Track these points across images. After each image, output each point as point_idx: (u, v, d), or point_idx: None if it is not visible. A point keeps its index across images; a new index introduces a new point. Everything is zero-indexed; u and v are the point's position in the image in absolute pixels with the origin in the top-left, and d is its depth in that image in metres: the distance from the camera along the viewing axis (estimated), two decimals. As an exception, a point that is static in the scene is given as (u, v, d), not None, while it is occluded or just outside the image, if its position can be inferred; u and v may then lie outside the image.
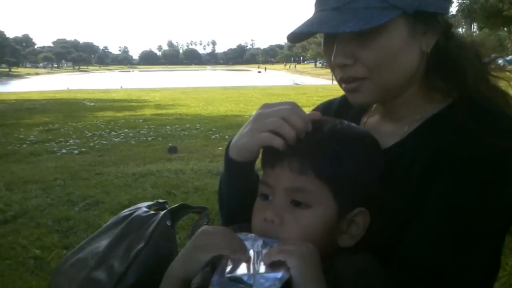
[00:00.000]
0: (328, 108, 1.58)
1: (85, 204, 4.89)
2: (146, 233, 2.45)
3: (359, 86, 1.26)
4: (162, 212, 2.56)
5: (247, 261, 1.10)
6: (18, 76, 57.47)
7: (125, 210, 2.77)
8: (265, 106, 1.26)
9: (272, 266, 1.08)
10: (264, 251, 1.12)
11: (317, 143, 1.19)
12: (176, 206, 2.57)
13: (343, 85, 1.30)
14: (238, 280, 1.07)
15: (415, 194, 1.22)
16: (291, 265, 1.05)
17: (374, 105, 1.45)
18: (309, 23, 1.23)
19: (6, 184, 5.76)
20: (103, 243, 2.59)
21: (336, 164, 1.18)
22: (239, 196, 1.38)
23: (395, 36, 1.21)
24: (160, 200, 2.89)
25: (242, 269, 1.09)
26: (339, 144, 1.20)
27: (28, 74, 61.13)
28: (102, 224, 3.90)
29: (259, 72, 61.49)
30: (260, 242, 1.16)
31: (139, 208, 2.71)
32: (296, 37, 1.25)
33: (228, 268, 1.10)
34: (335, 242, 1.19)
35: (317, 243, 1.15)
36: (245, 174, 1.33)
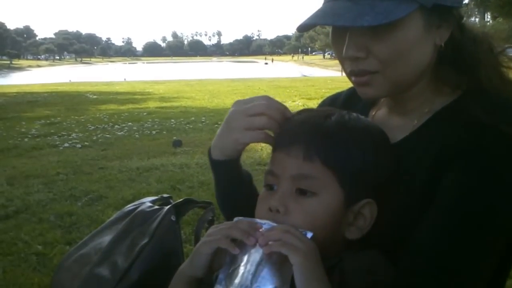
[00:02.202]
0: (334, 101, 1.58)
1: (88, 199, 4.91)
2: (150, 229, 2.46)
3: (370, 80, 1.26)
4: (167, 207, 2.58)
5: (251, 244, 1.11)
6: (19, 68, 57.62)
7: (128, 205, 2.79)
8: (239, 103, 1.30)
9: (271, 255, 1.08)
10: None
11: (324, 130, 1.20)
12: (180, 201, 2.58)
13: (353, 78, 1.30)
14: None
15: (424, 189, 1.22)
16: (293, 262, 1.06)
17: (382, 99, 1.44)
18: (322, 14, 1.22)
19: (7, 179, 5.79)
20: (106, 238, 2.61)
21: (344, 152, 1.19)
22: (235, 195, 1.42)
23: (410, 30, 1.20)
24: (165, 195, 2.90)
25: (239, 274, 1.08)
26: (347, 133, 1.21)
27: (30, 66, 61.29)
28: (105, 220, 3.92)
29: (266, 63, 61.48)
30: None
31: (143, 203, 2.73)
32: (307, 27, 1.25)
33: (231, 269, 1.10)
34: (341, 234, 1.20)
35: (322, 233, 1.16)
36: (233, 171, 1.37)
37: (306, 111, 1.33)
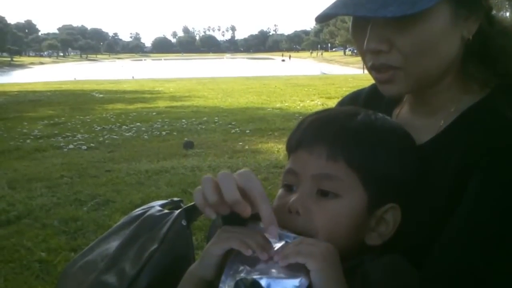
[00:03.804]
0: (355, 99, 1.59)
1: (94, 204, 4.95)
2: (159, 234, 2.48)
3: (392, 76, 1.26)
4: (177, 211, 2.60)
5: (264, 260, 1.10)
6: (21, 65, 58.09)
7: (137, 209, 2.81)
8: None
9: (290, 266, 1.08)
10: (278, 246, 1.13)
11: (350, 130, 1.21)
12: (192, 205, 2.60)
13: (375, 74, 1.30)
14: (254, 283, 1.07)
15: (451, 191, 1.22)
16: (311, 268, 1.06)
17: (406, 97, 1.45)
18: (342, 3, 1.21)
19: (8, 182, 5.83)
20: (113, 244, 2.63)
21: (370, 154, 1.20)
22: None
23: (436, 22, 1.20)
24: (175, 199, 2.92)
25: (258, 268, 1.09)
26: (373, 133, 1.23)
27: (32, 63, 61.72)
28: (112, 225, 3.93)
29: (283, 60, 61.53)
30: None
31: (152, 207, 2.74)
32: (326, 18, 1.25)
33: (242, 267, 1.10)
34: (361, 240, 1.21)
35: (344, 237, 1.17)
36: None
37: (330, 110, 1.33)
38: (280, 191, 1.26)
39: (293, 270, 1.08)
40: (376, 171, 1.20)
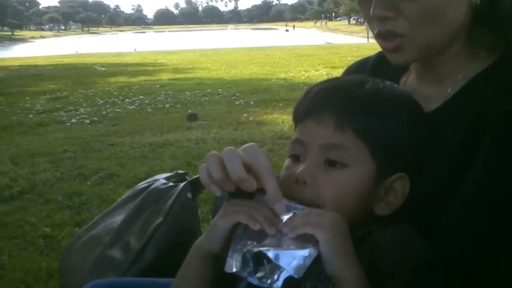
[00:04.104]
0: (361, 68, 1.59)
1: (98, 178, 4.96)
2: (165, 207, 2.50)
3: (399, 44, 1.26)
4: (182, 184, 2.61)
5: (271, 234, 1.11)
6: (22, 39, 58.10)
7: (141, 183, 2.82)
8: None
9: (298, 238, 1.09)
10: (286, 217, 1.13)
11: (358, 98, 1.22)
12: (197, 177, 2.61)
13: (382, 43, 1.30)
14: (261, 255, 1.08)
15: (461, 159, 1.22)
16: (320, 238, 1.07)
17: (413, 64, 1.44)
18: None
19: (11, 158, 5.85)
20: (118, 218, 2.65)
21: (378, 123, 1.21)
22: None
23: None
24: (180, 171, 2.93)
25: (266, 242, 1.10)
26: (381, 102, 1.24)
27: (33, 37, 61.72)
28: (117, 199, 3.97)
29: (287, 30, 61.48)
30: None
31: (157, 180, 2.76)
32: None
33: (250, 242, 1.11)
34: (370, 209, 1.21)
35: (352, 207, 1.18)
36: None
37: (337, 79, 1.35)
38: (287, 161, 1.27)
39: (302, 241, 1.09)
40: (385, 140, 1.20)
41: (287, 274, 1.05)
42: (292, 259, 1.06)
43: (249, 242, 1.11)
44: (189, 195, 2.50)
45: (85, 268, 2.47)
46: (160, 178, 2.76)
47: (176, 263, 2.08)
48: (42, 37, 62.74)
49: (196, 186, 2.52)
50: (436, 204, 1.24)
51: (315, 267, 1.08)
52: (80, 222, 3.84)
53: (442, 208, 1.20)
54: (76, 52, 31.71)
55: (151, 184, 2.71)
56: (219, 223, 1.17)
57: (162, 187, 2.65)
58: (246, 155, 1.11)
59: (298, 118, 1.28)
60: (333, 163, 1.19)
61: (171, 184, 2.65)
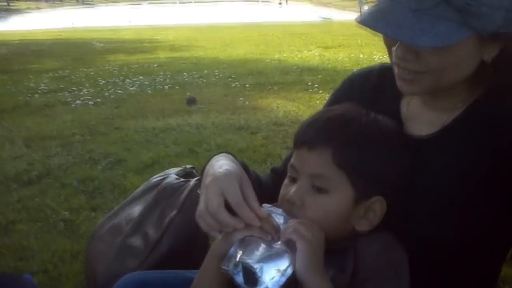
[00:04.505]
0: (365, 81, 1.70)
1: (107, 163, 5.18)
2: (178, 201, 2.75)
3: (414, 79, 1.39)
4: (193, 180, 2.88)
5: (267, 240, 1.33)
6: (18, 11, 57.19)
7: (154, 177, 3.08)
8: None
9: (287, 243, 1.31)
10: (283, 227, 1.35)
11: (342, 136, 1.41)
12: (207, 174, 2.88)
13: (397, 70, 1.43)
14: (247, 266, 1.26)
15: (459, 176, 1.42)
16: (299, 248, 1.28)
17: None
18: (383, 18, 1.32)
19: (24, 141, 6.04)
20: (136, 209, 2.90)
21: (358, 158, 1.39)
22: None
23: (463, 49, 1.33)
24: (188, 166, 3.20)
25: (255, 254, 1.28)
26: (363, 139, 1.41)
27: (29, 8, 60.85)
28: (127, 185, 4.27)
29: (280, 4, 60.54)
30: (281, 218, 1.38)
31: (169, 175, 3.02)
32: (364, 26, 1.35)
33: (242, 251, 1.30)
34: (351, 226, 1.43)
35: (334, 226, 1.40)
36: None
37: (331, 111, 1.52)
38: (286, 180, 1.49)
39: (286, 248, 1.30)
40: (364, 172, 1.40)
41: (265, 286, 1.24)
42: (272, 274, 1.24)
43: (242, 251, 1.30)
44: (199, 191, 2.77)
45: (109, 255, 2.66)
46: (172, 174, 3.00)
47: (189, 254, 2.37)
48: (38, 8, 61.89)
49: None
50: (437, 219, 1.41)
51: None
52: (96, 207, 4.07)
53: (440, 226, 1.41)
54: (72, 24, 31.34)
55: (164, 179, 2.95)
56: (235, 234, 1.34)
57: (175, 182, 2.89)
58: (227, 196, 1.34)
59: (295, 145, 1.48)
60: (319, 189, 1.40)
61: (182, 180, 2.89)
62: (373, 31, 1.32)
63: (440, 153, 1.47)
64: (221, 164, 1.46)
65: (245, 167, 1.57)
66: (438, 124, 1.50)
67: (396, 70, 1.44)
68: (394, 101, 1.60)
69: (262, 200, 1.43)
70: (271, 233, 1.34)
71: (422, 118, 1.54)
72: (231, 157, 1.56)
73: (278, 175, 1.72)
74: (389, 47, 1.42)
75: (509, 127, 1.38)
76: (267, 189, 1.66)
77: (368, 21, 1.33)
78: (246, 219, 1.33)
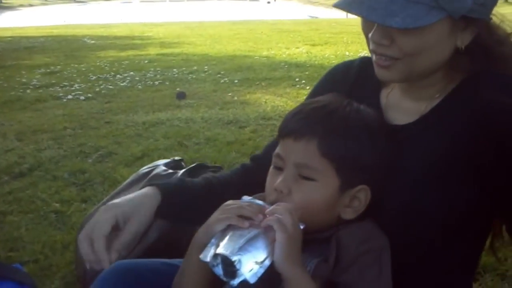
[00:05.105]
0: (347, 71, 1.73)
1: (98, 156, 5.17)
2: None
3: (390, 65, 1.41)
4: (181, 171, 2.87)
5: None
6: (10, 7, 56.91)
7: (143, 168, 3.08)
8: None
9: (267, 230, 1.32)
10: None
11: (326, 126, 1.42)
12: (193, 166, 2.89)
13: (374, 57, 1.45)
14: (226, 259, 1.27)
15: (436, 162, 1.43)
16: (278, 239, 1.29)
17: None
18: (359, 1, 1.33)
19: (16, 134, 6.03)
20: None
21: (342, 147, 1.41)
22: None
23: (436, 33, 1.35)
24: (176, 158, 3.20)
25: (234, 245, 1.28)
26: (346, 128, 1.43)
27: (21, 5, 60.53)
28: (117, 177, 4.27)
29: (268, 2, 60.54)
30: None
31: (158, 166, 3.02)
32: (342, 9, 1.38)
33: (221, 243, 1.31)
34: (337, 214, 1.44)
35: (319, 214, 1.41)
36: None
37: (316, 102, 1.53)
38: (271, 169, 1.50)
39: (271, 240, 1.30)
40: (348, 160, 1.41)
41: (244, 278, 1.25)
42: (250, 266, 1.25)
43: (221, 242, 1.31)
44: None
45: None
46: (160, 164, 3.01)
47: (177, 244, 2.38)
48: (30, 5, 61.57)
49: (192, 174, 2.78)
50: (414, 201, 1.43)
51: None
52: (86, 198, 4.07)
53: (418, 201, 1.42)
54: (64, 21, 31.16)
55: (152, 170, 2.96)
56: (214, 227, 1.36)
57: (163, 173, 2.89)
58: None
59: (280, 135, 1.49)
60: (305, 178, 1.42)
61: (170, 171, 2.89)
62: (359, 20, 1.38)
63: (417, 141, 1.48)
64: (131, 197, 1.59)
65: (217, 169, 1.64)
66: (416, 113, 1.51)
67: (373, 57, 1.45)
68: (374, 92, 1.62)
69: (246, 189, 1.49)
70: (253, 218, 1.35)
71: (401, 108, 1.56)
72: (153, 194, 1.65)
73: (260, 164, 1.75)
74: (366, 35, 1.43)
75: (483, 115, 1.39)
76: (240, 181, 1.76)
77: (343, 5, 1.37)
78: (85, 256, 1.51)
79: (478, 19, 1.38)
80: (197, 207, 1.65)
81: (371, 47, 1.44)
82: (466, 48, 1.42)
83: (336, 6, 1.39)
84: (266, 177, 1.52)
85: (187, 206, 1.70)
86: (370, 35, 1.40)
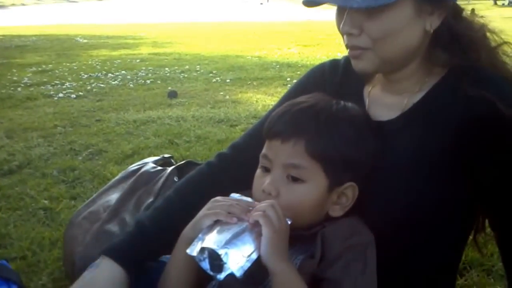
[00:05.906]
0: (334, 69, 1.78)
1: (88, 153, 5.13)
2: (154, 188, 2.74)
3: (361, 54, 1.45)
4: (170, 169, 2.86)
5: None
6: (2, 6, 56.68)
7: (132, 165, 3.07)
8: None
9: (254, 226, 1.33)
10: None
11: (313, 127, 1.43)
12: (182, 163, 2.87)
13: (348, 51, 1.50)
14: (213, 252, 1.29)
15: (417, 156, 1.46)
16: (264, 234, 1.30)
17: (377, 76, 1.63)
18: None
19: (6, 132, 5.99)
20: (113, 196, 2.88)
21: (328, 146, 1.42)
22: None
23: (400, 14, 1.38)
24: (166, 155, 3.19)
25: (221, 239, 1.29)
26: (333, 127, 1.45)
27: (13, 4, 60.38)
28: (107, 175, 4.25)
29: (261, 4, 60.49)
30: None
31: (146, 163, 3.01)
32: (313, 4, 1.43)
33: (208, 237, 1.33)
34: (325, 212, 1.46)
35: (308, 213, 1.42)
36: None
37: (302, 103, 1.53)
38: (258, 170, 1.50)
39: (257, 235, 1.32)
40: (336, 160, 1.43)
41: (230, 271, 1.26)
42: (237, 260, 1.26)
43: (208, 237, 1.32)
44: (175, 179, 2.74)
45: (86, 240, 2.66)
46: (149, 162, 2.99)
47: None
48: (23, 4, 61.39)
49: (182, 171, 2.77)
50: (399, 194, 1.46)
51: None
52: (75, 195, 4.04)
53: (403, 195, 1.45)
54: (56, 20, 31.02)
55: (141, 167, 2.94)
56: (202, 222, 1.38)
57: (152, 170, 2.86)
58: None
59: (267, 136, 1.51)
60: (294, 179, 1.42)
61: (159, 168, 2.88)
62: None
63: (401, 136, 1.49)
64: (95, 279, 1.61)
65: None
66: (399, 108, 1.53)
67: (348, 51, 1.49)
68: (358, 87, 1.64)
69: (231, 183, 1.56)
70: (239, 215, 1.35)
71: (383, 103, 1.58)
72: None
73: (240, 151, 1.79)
74: (341, 33, 1.47)
75: (466, 109, 1.40)
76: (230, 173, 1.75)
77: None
78: None
79: (443, 2, 1.41)
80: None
81: (345, 42, 1.48)
82: (436, 36, 1.45)
83: (304, 3, 1.44)
84: (245, 171, 1.52)
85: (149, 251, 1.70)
86: (340, 28, 1.44)
